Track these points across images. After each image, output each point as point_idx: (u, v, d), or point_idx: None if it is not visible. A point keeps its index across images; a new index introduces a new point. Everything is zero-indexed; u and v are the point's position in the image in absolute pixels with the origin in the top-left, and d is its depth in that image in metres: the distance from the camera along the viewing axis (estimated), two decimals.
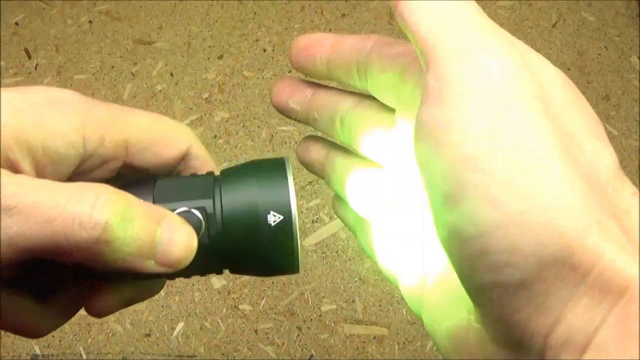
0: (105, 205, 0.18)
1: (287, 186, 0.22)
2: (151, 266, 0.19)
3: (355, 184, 0.26)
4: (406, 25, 0.19)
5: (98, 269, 0.19)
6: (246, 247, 0.22)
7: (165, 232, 0.20)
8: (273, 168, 0.23)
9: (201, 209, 0.21)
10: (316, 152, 0.28)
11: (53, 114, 0.20)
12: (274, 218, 0.22)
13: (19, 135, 0.19)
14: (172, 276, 0.23)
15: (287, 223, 0.22)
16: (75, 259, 0.18)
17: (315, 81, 0.27)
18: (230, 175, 0.23)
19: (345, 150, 0.27)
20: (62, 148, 0.20)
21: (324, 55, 0.24)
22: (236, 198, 0.22)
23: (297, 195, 0.77)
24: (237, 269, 0.23)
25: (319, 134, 0.28)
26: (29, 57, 0.89)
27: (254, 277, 0.71)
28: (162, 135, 0.23)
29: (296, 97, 0.26)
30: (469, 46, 0.18)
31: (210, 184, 0.22)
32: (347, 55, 0.24)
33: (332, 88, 0.27)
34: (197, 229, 0.21)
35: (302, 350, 0.67)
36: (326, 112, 0.26)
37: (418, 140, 0.18)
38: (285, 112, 0.27)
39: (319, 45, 0.24)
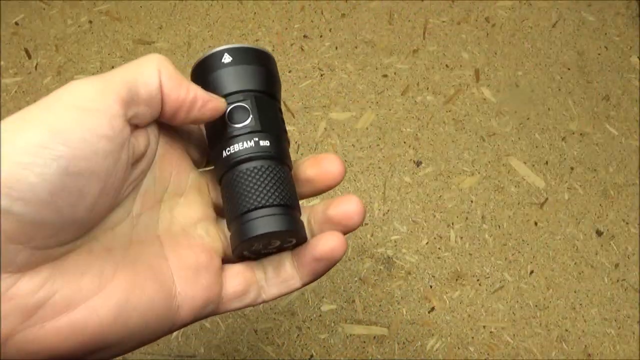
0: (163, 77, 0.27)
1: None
2: (207, 94, 0.28)
3: None
4: None
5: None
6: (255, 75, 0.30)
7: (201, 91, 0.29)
8: None
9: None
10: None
11: None
12: (227, 59, 0.30)
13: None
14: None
15: (230, 49, 0.30)
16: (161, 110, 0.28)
17: None
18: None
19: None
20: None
21: None
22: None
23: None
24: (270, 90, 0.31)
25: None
26: (29, 57, 0.89)
27: None
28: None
29: None
30: None
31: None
32: None
33: None
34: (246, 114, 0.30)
35: (302, 350, 0.67)
36: None
37: None
38: None
39: None
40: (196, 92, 0.28)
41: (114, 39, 0.90)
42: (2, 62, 0.88)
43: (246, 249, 0.29)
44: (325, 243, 0.30)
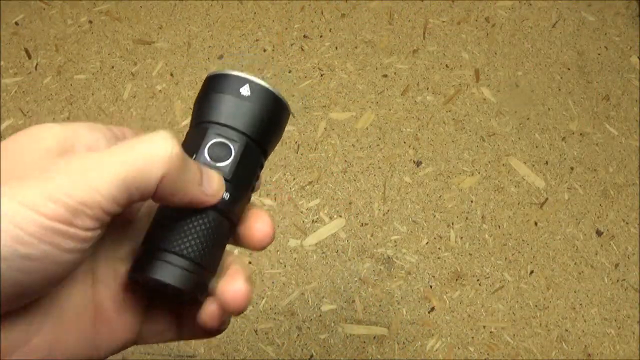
0: (170, 158, 0.25)
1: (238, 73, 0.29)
2: (202, 194, 0.26)
3: None
4: None
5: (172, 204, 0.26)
6: (256, 118, 0.29)
7: (205, 174, 0.27)
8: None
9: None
10: None
11: None
12: (245, 91, 0.28)
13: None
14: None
15: (254, 84, 0.29)
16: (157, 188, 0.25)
17: None
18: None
19: None
20: None
21: None
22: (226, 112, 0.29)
23: (297, 194, 0.77)
24: (266, 140, 0.30)
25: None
26: (29, 57, 0.89)
27: (252, 277, 0.70)
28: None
29: None
30: None
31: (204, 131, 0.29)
32: None
33: None
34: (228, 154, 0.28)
35: (302, 350, 0.67)
36: None
37: None
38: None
39: None
40: (192, 196, 0.26)
41: (114, 39, 0.90)
42: (2, 62, 0.88)
43: (139, 279, 0.28)
44: (200, 314, 0.29)
